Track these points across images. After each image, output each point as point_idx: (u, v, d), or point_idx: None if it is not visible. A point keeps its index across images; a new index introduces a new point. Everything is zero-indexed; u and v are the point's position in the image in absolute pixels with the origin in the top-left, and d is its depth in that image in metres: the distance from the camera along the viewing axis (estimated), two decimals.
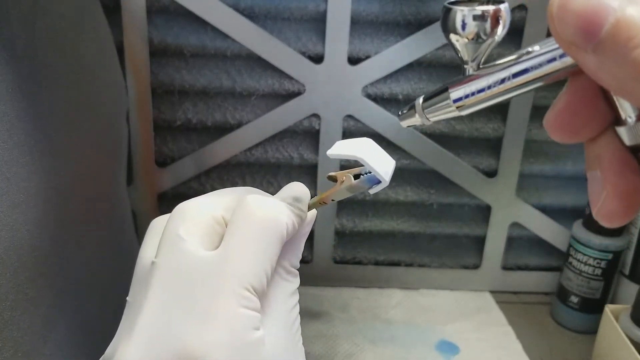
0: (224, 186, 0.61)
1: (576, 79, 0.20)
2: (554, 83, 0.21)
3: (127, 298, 0.27)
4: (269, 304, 0.27)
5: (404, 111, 0.25)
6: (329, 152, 0.29)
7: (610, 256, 0.62)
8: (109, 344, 0.27)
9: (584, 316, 0.64)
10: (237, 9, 0.59)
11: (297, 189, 0.30)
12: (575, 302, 0.65)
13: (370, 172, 0.29)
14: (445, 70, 0.63)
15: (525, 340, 0.63)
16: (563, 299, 0.66)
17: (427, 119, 0.25)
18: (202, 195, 0.29)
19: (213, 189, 0.44)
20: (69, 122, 0.41)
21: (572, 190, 0.68)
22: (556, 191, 0.69)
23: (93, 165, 0.46)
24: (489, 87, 0.22)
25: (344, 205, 0.69)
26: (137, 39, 0.59)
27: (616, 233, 0.61)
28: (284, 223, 0.27)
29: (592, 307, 0.64)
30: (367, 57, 0.61)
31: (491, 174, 0.67)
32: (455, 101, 0.23)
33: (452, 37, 0.22)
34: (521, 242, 0.71)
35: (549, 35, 0.19)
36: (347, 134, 0.64)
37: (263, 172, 0.67)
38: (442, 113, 0.24)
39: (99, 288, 0.45)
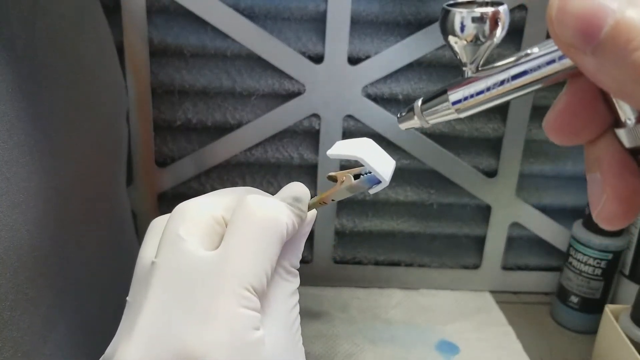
0: (224, 186, 0.61)
1: (575, 81, 0.20)
2: (554, 84, 0.21)
3: (127, 298, 0.27)
4: (269, 304, 0.27)
5: (403, 114, 0.25)
6: (329, 152, 0.29)
7: (610, 256, 0.62)
8: (109, 344, 0.27)
9: (584, 316, 0.64)
10: (237, 9, 0.59)
11: (297, 189, 0.30)
12: (575, 302, 0.65)
13: (370, 172, 0.29)
14: (445, 70, 0.63)
15: (525, 340, 0.63)
16: (563, 299, 0.66)
17: (426, 121, 0.24)
18: (202, 195, 0.29)
19: (213, 189, 0.44)
20: (69, 122, 0.41)
21: (572, 190, 0.68)
22: (556, 191, 0.69)
23: (93, 165, 0.46)
24: (488, 89, 0.22)
25: (344, 205, 0.69)
26: (137, 39, 0.59)
27: (616, 233, 0.61)
28: (284, 223, 0.27)
29: (592, 307, 0.64)
30: (367, 57, 0.61)
31: (491, 174, 0.67)
32: (454, 103, 0.23)
33: (451, 39, 0.22)
34: (521, 242, 0.71)
35: (549, 36, 0.19)
36: (347, 134, 0.64)
37: (263, 172, 0.67)
38: (441, 115, 0.24)
39: (99, 288, 0.45)
